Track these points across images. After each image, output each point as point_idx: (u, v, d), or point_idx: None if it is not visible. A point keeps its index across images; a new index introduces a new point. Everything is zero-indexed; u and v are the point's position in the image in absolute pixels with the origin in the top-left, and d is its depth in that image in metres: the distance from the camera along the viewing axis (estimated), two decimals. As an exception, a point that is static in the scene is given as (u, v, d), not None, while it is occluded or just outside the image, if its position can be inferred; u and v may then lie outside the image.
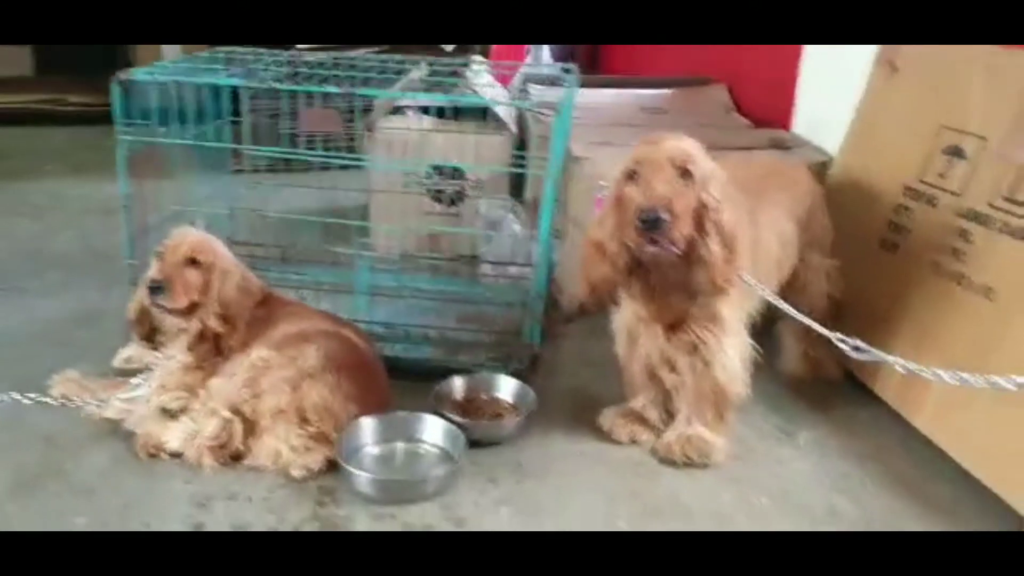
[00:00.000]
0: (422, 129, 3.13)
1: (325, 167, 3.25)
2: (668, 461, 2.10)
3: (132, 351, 2.39)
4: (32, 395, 2.20)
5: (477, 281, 3.02)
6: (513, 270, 2.97)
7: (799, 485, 2.05)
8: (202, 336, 2.11)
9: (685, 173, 1.85)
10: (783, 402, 2.43)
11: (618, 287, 2.02)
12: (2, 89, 5.72)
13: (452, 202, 3.35)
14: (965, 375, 1.66)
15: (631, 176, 1.88)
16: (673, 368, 2.12)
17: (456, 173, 3.28)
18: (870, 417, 2.34)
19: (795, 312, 1.98)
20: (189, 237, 2.14)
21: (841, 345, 1.84)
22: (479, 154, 3.15)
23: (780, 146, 3.01)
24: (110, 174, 2.46)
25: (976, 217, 2.15)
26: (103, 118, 2.53)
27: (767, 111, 3.52)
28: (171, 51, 4.64)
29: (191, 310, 2.11)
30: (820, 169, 2.77)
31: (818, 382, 2.51)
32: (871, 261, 2.45)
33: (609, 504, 1.95)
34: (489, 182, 3.28)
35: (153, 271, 2.10)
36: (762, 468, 2.12)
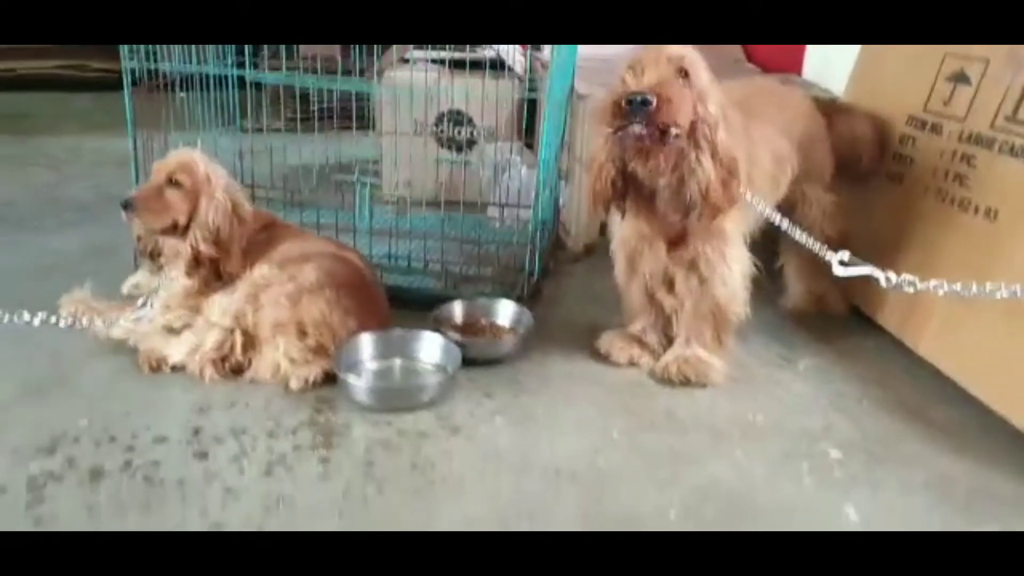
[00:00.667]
0: (420, 72, 3.12)
1: (345, 127, 3.23)
2: (665, 381, 2.11)
3: (140, 278, 2.42)
4: (41, 315, 2.25)
5: (484, 224, 3.02)
6: (520, 212, 2.98)
7: (797, 406, 2.05)
8: (197, 260, 2.12)
9: (682, 72, 1.85)
10: (785, 332, 2.43)
11: (618, 200, 2.02)
12: (28, 56, 5.84)
13: (461, 148, 3.36)
14: (953, 285, 1.65)
15: (629, 72, 1.87)
16: (672, 290, 2.13)
17: (466, 120, 3.29)
18: (874, 347, 2.33)
19: (791, 228, 1.97)
20: (176, 157, 2.14)
21: (828, 258, 1.83)
22: (488, 99, 3.15)
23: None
24: (126, 132, 2.49)
25: (979, 140, 2.13)
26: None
27: (778, 61, 3.50)
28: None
29: (176, 231, 2.12)
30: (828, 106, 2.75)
31: (822, 316, 2.50)
32: (877, 193, 2.43)
33: (603, 417, 1.95)
34: (498, 127, 3.29)
35: (132, 192, 2.12)
36: (761, 389, 2.11)
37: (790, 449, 1.86)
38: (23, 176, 3.66)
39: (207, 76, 2.64)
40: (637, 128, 1.81)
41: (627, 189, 1.99)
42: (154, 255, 2.25)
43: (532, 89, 3.15)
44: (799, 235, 1.94)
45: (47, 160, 3.93)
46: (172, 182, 2.09)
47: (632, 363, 2.19)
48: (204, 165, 2.12)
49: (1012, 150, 2.03)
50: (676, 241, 2.06)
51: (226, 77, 2.71)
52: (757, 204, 1.98)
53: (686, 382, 2.09)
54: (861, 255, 1.98)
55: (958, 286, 1.66)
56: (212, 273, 2.13)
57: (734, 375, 2.15)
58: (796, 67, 3.33)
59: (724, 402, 2.04)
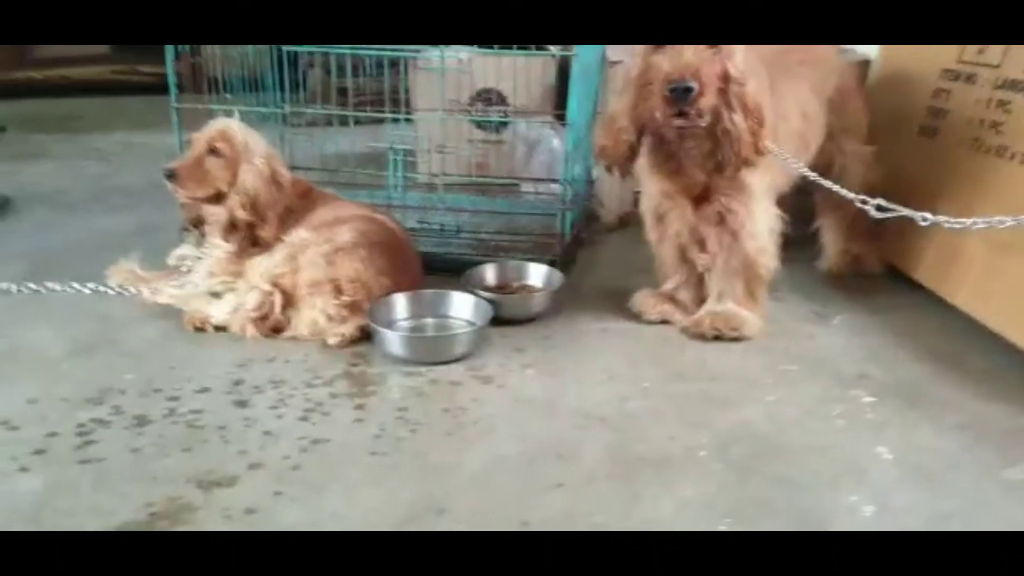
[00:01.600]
0: (459, 54, 3.17)
1: (379, 121, 3.27)
2: (698, 336, 2.11)
3: (185, 250, 2.49)
4: (91, 285, 2.35)
5: (517, 200, 3.06)
6: (553, 186, 3.00)
7: (831, 356, 2.04)
8: (233, 225, 2.18)
9: (715, 48, 1.85)
10: (820, 291, 2.43)
11: (625, 163, 2.04)
12: (83, 63, 6.07)
13: (497, 128, 3.40)
14: (993, 218, 1.65)
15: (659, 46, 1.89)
16: (703, 247, 2.14)
17: (500, 98, 3.33)
18: (909, 303, 2.32)
19: (820, 179, 1.98)
20: (215, 126, 2.20)
21: (864, 207, 1.85)
22: (521, 78, 3.18)
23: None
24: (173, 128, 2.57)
25: (1014, 86, 2.11)
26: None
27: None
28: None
29: (219, 199, 2.18)
30: (862, 68, 2.74)
31: (858, 276, 2.49)
32: (911, 149, 2.42)
33: (633, 368, 1.97)
34: (533, 105, 3.32)
35: (173, 162, 2.18)
36: (794, 342, 2.11)
37: (822, 394, 1.85)
38: (76, 168, 3.80)
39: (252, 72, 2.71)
40: (680, 122, 1.86)
41: (636, 152, 2.01)
42: (198, 223, 2.31)
43: (565, 63, 3.18)
44: (829, 185, 1.94)
45: (99, 154, 4.08)
46: (212, 151, 2.15)
47: (665, 320, 2.20)
48: (242, 133, 2.18)
49: (1048, 91, 2.01)
50: (700, 198, 2.07)
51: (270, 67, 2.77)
52: (784, 159, 1.98)
53: (719, 336, 2.09)
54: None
55: (994, 219, 1.65)
56: (248, 238, 2.19)
57: (768, 329, 2.15)
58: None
59: (757, 353, 2.05)
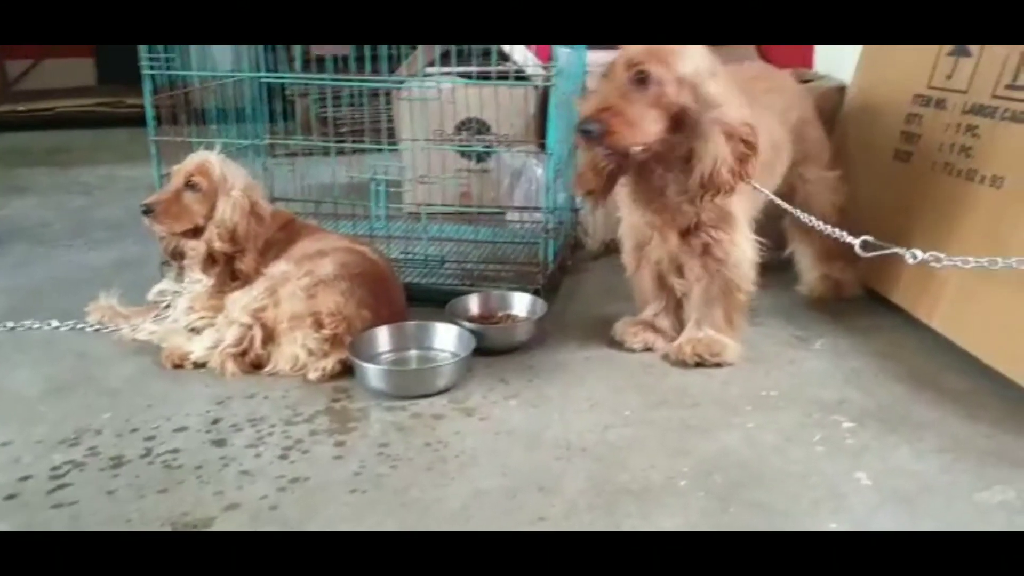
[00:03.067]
0: (442, 84, 3.18)
1: (363, 151, 3.28)
2: (680, 363, 2.11)
3: (165, 285, 2.48)
4: (69, 322, 2.34)
5: (502, 228, 3.06)
6: (537, 215, 3.01)
7: (811, 380, 2.04)
8: (212, 258, 2.18)
9: (641, 76, 1.82)
10: (799, 314, 2.43)
11: (602, 193, 2.05)
12: (70, 95, 6.10)
13: (480, 158, 3.41)
14: (975, 259, 1.65)
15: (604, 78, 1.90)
16: (682, 274, 2.14)
17: (483, 128, 3.34)
18: (889, 325, 2.32)
19: (798, 213, 1.98)
20: (193, 160, 2.20)
21: (849, 241, 1.85)
22: (504, 107, 3.20)
23: (799, 79, 3.00)
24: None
25: (982, 110, 2.13)
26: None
27: (790, 56, 3.51)
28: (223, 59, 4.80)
29: (196, 233, 2.18)
30: (837, 94, 2.77)
31: (838, 300, 2.50)
32: (886, 174, 2.44)
33: (615, 396, 1.97)
34: (516, 134, 3.34)
35: (151, 196, 2.17)
36: (775, 367, 2.11)
37: (802, 420, 1.85)
38: (60, 202, 3.81)
39: (234, 101, 2.71)
40: (603, 152, 1.85)
41: (615, 181, 2.02)
42: (177, 257, 2.31)
43: (546, 92, 3.20)
44: (814, 223, 1.94)
45: (82, 187, 4.08)
46: (189, 185, 2.16)
47: (647, 348, 2.20)
48: (220, 166, 2.19)
49: (1013, 116, 2.03)
50: (687, 231, 2.06)
51: (253, 97, 2.77)
52: (759, 189, 1.99)
53: (701, 362, 2.09)
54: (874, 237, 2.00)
55: (985, 260, 1.67)
56: (227, 271, 2.19)
57: (749, 354, 2.15)
58: (807, 61, 3.35)
59: (737, 379, 2.05)
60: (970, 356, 2.02)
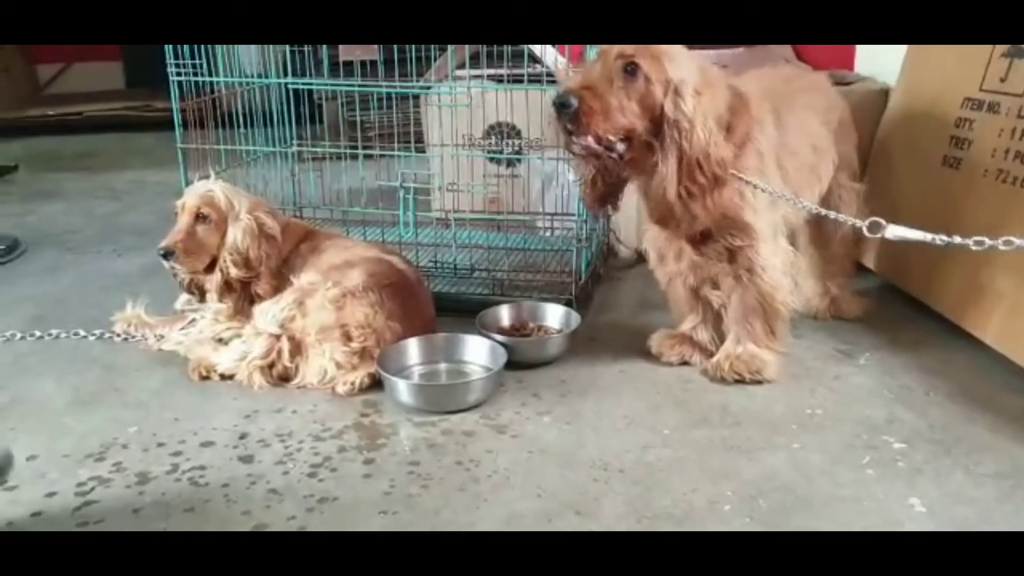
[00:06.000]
0: (471, 88, 3.13)
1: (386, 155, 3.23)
2: (718, 380, 2.04)
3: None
4: (96, 331, 2.31)
5: (533, 234, 3.00)
6: (569, 222, 2.95)
7: (858, 398, 1.96)
8: (228, 285, 2.15)
9: (630, 68, 1.75)
10: (843, 327, 2.35)
11: (601, 202, 1.99)
12: (98, 99, 6.11)
13: (510, 163, 3.35)
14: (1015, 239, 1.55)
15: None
16: (716, 285, 2.06)
17: (513, 132, 3.28)
18: (937, 338, 2.24)
19: (809, 204, 1.90)
20: (196, 191, 2.16)
21: (857, 226, 1.72)
22: (535, 111, 3.13)
23: (841, 81, 2.91)
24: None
25: (1040, 115, 2.04)
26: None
27: (829, 59, 3.43)
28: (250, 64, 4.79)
29: (213, 265, 2.15)
30: (880, 97, 2.68)
31: (880, 311, 2.41)
32: (933, 181, 2.34)
33: (653, 413, 1.90)
34: (547, 138, 3.26)
35: (166, 239, 2.12)
36: (819, 383, 2.03)
37: (850, 440, 1.78)
38: (88, 207, 3.79)
39: (262, 106, 2.67)
40: (579, 141, 1.75)
41: (619, 191, 1.95)
42: (194, 291, 2.27)
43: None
44: (835, 215, 1.86)
45: (110, 193, 4.07)
46: (200, 218, 2.12)
47: (684, 362, 2.13)
48: (224, 193, 2.16)
49: (1075, 122, 1.93)
50: (697, 239, 1.97)
51: (280, 101, 2.73)
52: (764, 189, 1.88)
53: (740, 379, 2.02)
54: (916, 248, 1.88)
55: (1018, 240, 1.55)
56: (244, 297, 2.17)
57: (791, 370, 2.08)
58: (848, 63, 3.26)
59: (780, 396, 1.97)
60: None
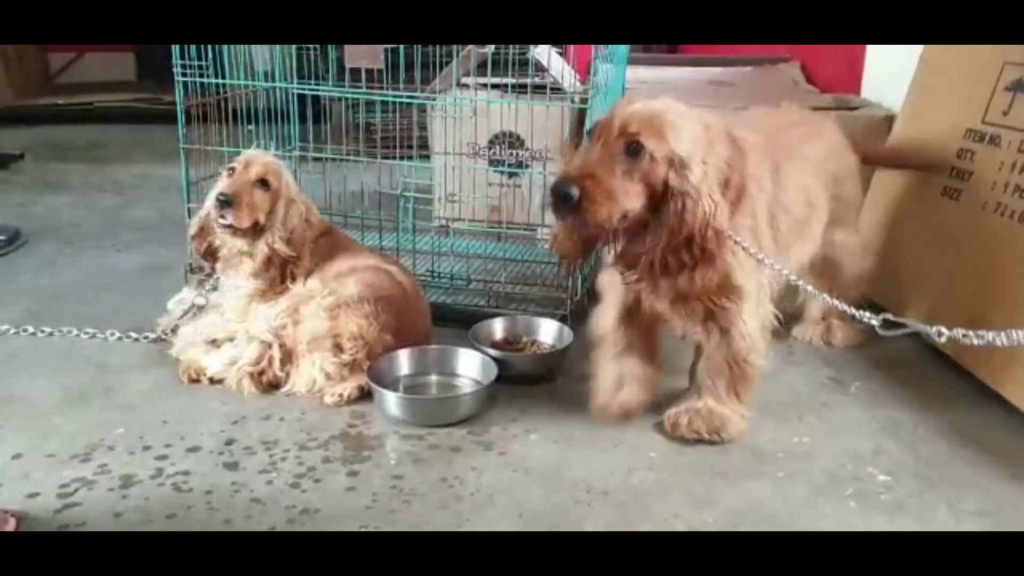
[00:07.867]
0: (477, 99, 3.13)
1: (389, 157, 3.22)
2: (678, 437, 1.90)
3: (185, 294, 2.44)
4: (90, 330, 2.30)
5: (532, 246, 3.01)
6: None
7: (845, 428, 1.96)
8: (269, 261, 2.13)
9: (634, 148, 1.65)
10: (836, 356, 2.34)
11: (574, 262, 1.95)
12: (108, 90, 6.13)
13: (512, 173, 3.35)
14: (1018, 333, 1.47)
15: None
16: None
17: (517, 143, 3.28)
18: (930, 373, 2.22)
19: (807, 285, 1.77)
20: (262, 158, 2.15)
21: (868, 321, 1.58)
22: (539, 121, 3.13)
23: (845, 106, 2.92)
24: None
25: (1040, 150, 2.04)
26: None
27: (836, 81, 3.43)
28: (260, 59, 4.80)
29: (252, 231, 2.12)
30: (884, 124, 2.68)
31: (878, 342, 2.39)
32: (932, 211, 2.34)
33: (641, 435, 1.90)
34: (551, 151, 3.27)
35: (223, 184, 2.09)
36: (808, 411, 2.03)
37: (835, 470, 1.77)
38: (91, 200, 3.80)
39: (268, 106, 2.68)
40: (573, 221, 1.68)
41: (593, 246, 1.86)
42: (209, 256, 2.23)
43: (582, 113, 3.13)
44: (829, 300, 1.72)
45: (115, 186, 4.07)
46: (261, 182, 2.10)
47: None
48: (283, 167, 2.17)
49: (1075, 159, 1.93)
50: (678, 299, 1.84)
51: (286, 102, 2.73)
52: (767, 262, 1.77)
53: (699, 438, 1.89)
54: (920, 280, 1.84)
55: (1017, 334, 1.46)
56: (281, 274, 2.16)
57: (781, 397, 2.08)
58: (855, 86, 3.26)
59: (769, 422, 1.97)
60: (1016, 411, 1.92)
